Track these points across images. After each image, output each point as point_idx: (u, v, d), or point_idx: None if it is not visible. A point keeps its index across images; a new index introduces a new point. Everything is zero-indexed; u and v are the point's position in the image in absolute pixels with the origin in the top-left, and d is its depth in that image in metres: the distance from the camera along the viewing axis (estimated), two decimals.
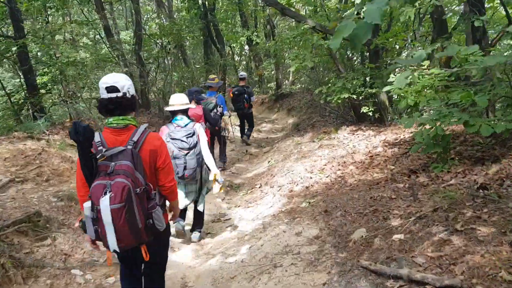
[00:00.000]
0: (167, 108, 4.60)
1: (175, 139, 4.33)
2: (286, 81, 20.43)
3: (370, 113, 7.50)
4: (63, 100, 10.59)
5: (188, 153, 4.37)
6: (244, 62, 23.80)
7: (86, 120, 9.73)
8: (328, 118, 10.72)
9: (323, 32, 7.92)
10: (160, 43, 11.02)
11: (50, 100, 11.12)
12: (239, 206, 6.66)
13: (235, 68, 19.89)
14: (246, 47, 22.65)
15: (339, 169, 6.22)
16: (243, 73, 10.48)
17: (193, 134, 4.34)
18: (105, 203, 2.22)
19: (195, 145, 4.38)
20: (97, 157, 2.36)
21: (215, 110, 7.39)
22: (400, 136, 6.74)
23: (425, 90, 5.15)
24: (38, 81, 10.87)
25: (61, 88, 10.56)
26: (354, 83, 7.34)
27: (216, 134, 7.89)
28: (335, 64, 8.28)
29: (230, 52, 20.72)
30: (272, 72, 20.60)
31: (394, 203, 3.90)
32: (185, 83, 12.03)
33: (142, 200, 2.39)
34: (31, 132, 7.76)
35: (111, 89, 2.43)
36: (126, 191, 2.25)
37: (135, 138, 2.45)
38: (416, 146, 4.94)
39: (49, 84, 11.38)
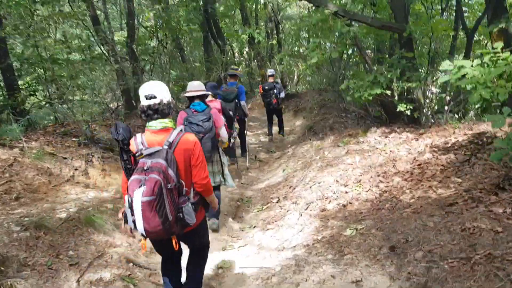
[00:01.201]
0: (186, 94, 4.76)
1: (192, 123, 4.51)
2: (290, 82, 19.23)
3: (408, 112, 6.26)
4: (48, 102, 9.33)
5: (204, 136, 4.55)
6: (243, 62, 22.50)
7: (71, 124, 8.49)
8: (348, 119, 9.51)
9: (347, 18, 6.70)
10: (156, 37, 9.77)
11: (33, 102, 9.81)
12: (254, 227, 5.41)
13: (236, 65, 18.66)
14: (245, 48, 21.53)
15: (381, 181, 4.98)
16: (271, 70, 10.73)
17: (209, 118, 4.52)
18: (137, 195, 2.46)
19: (210, 129, 4.59)
20: (136, 155, 2.63)
21: (235, 101, 7.53)
22: (450, 139, 5.50)
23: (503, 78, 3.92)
24: (20, 81, 9.61)
25: (47, 88, 9.29)
26: (389, 76, 6.10)
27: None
28: (362, 55, 7.06)
29: (230, 51, 19.48)
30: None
31: (509, 242, 2.63)
32: (184, 81, 10.76)
33: (173, 195, 2.57)
34: (3, 139, 6.49)
35: (149, 96, 2.68)
36: (158, 185, 2.46)
37: (170, 139, 2.68)
38: (498, 153, 3.70)
39: (32, 85, 10.10)
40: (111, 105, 11.59)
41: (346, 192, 4.97)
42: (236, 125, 7.78)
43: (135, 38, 9.35)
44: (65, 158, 6.99)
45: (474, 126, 5.56)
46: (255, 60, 20.60)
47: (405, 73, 6.39)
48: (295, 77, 19.31)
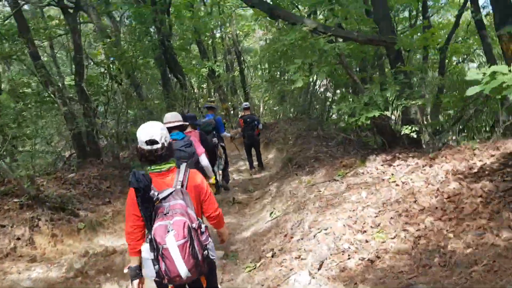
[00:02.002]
0: (165, 125, 4.17)
1: (174, 149, 3.94)
2: (256, 113, 18.40)
3: (414, 134, 5.38)
4: None
5: (187, 161, 4.31)
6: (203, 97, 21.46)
7: (12, 181, 7.07)
8: (332, 148, 8.59)
9: (328, 34, 5.85)
10: (108, 73, 8.60)
11: None
12: None
13: (196, 101, 17.62)
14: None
15: (408, 223, 3.98)
16: (246, 103, 10.67)
17: (191, 144, 4.57)
18: (171, 241, 2.38)
19: (193, 154, 4.65)
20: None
21: (213, 133, 7.60)
22: (474, 163, 4.62)
23: None
24: None
25: None
26: (387, 95, 5.24)
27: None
28: (349, 74, 6.20)
29: (190, 86, 18.50)
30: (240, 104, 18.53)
31: None
32: (143, 121, 9.58)
33: (197, 234, 2.54)
34: None
35: (150, 142, 2.57)
36: (187, 227, 2.43)
37: (180, 178, 2.64)
38: None
39: None
40: (66, 153, 10.25)
41: (367, 241, 3.92)
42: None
43: (84, 76, 8.13)
44: (4, 226, 5.61)
45: (499, 145, 4.72)
46: (217, 94, 19.73)
47: (403, 91, 5.56)
48: (261, 108, 18.54)
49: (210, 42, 21.24)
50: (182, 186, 2.62)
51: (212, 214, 2.84)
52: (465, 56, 11.71)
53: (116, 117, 8.28)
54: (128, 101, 9.38)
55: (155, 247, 2.43)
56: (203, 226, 2.66)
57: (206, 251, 2.61)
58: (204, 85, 20.82)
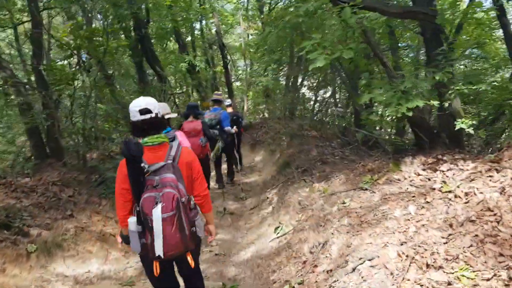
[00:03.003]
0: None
1: None
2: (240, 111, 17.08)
3: (471, 130, 4.18)
4: None
5: None
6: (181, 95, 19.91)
7: None
8: (338, 149, 7.37)
9: (353, 3, 4.62)
10: (77, 56, 7.09)
11: None
12: None
13: (175, 98, 16.15)
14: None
15: (502, 255, 2.76)
16: (229, 100, 9.68)
17: (174, 139, 3.35)
18: (157, 212, 2.33)
19: None
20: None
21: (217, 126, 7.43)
22: None
23: None
24: None
25: None
26: (437, 78, 4.04)
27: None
28: (377, 56, 4.98)
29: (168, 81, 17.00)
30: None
31: None
32: (118, 115, 8.10)
33: (186, 209, 2.50)
34: None
35: (144, 111, 2.55)
36: (176, 200, 2.39)
37: (172, 153, 2.61)
38: None
39: None
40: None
41: (449, 284, 2.67)
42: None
43: (43, 56, 6.59)
44: None
45: None
46: (197, 91, 18.30)
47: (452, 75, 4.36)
48: (245, 106, 17.20)
49: (189, 35, 19.83)
50: (173, 161, 2.58)
51: (201, 193, 2.77)
52: None
53: (83, 111, 6.80)
54: (98, 92, 7.91)
55: (143, 219, 2.41)
56: (192, 202, 2.64)
57: (194, 228, 2.60)
58: (183, 81, 19.32)
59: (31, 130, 6.59)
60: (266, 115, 16.44)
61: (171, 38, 17.97)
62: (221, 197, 7.82)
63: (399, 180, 4.54)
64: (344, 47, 4.37)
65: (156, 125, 2.61)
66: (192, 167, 2.70)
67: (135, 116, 2.56)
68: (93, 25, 10.17)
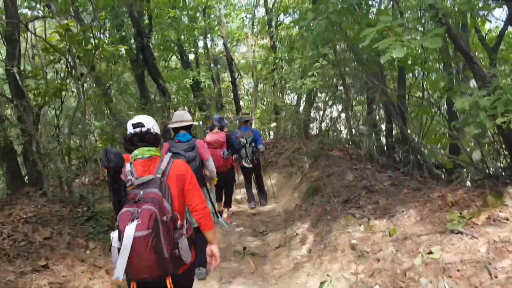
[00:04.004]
0: (170, 125, 4.54)
1: (173, 153, 4.10)
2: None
3: None
4: None
5: None
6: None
7: None
8: (384, 173, 6.02)
9: None
10: (66, 61, 5.79)
11: None
12: None
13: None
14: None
15: None
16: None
17: (193, 148, 4.25)
18: (129, 230, 2.16)
19: (193, 159, 4.25)
20: (127, 185, 2.33)
21: (252, 144, 7.42)
22: None
23: None
24: None
25: None
26: None
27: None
28: (459, 48, 3.71)
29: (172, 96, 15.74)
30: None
31: None
32: (115, 134, 6.78)
33: (168, 229, 2.29)
34: None
35: (136, 125, 2.51)
36: (153, 218, 2.20)
37: (162, 167, 2.45)
38: None
39: None
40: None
41: None
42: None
43: (19, 58, 5.21)
44: None
45: None
46: (200, 109, 17.03)
47: None
48: (253, 124, 15.90)
49: (193, 52, 18.74)
50: (163, 175, 2.41)
51: (197, 206, 2.54)
52: None
53: (68, 125, 5.43)
54: (92, 106, 6.61)
55: (119, 235, 2.23)
56: (179, 222, 2.40)
57: (176, 250, 2.33)
58: (186, 98, 18.07)
59: (4, 151, 5.24)
60: (271, 133, 15.22)
61: (174, 54, 16.88)
62: (236, 232, 6.47)
63: (507, 219, 3.19)
64: (432, 36, 3.09)
65: (146, 138, 2.52)
66: (184, 180, 2.52)
67: (128, 130, 2.54)
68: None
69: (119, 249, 2.21)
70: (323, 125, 13.23)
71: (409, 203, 4.17)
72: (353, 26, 4.58)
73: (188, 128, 4.45)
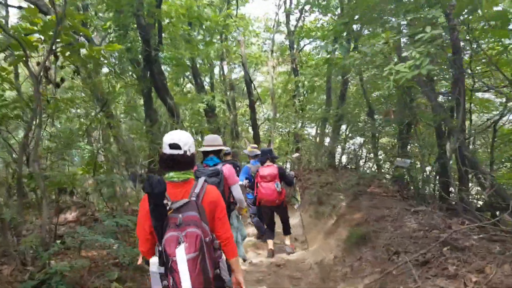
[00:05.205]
0: (200, 149, 4.39)
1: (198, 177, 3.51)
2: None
3: None
4: None
5: None
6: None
7: None
8: (466, 222, 4.37)
9: None
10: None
11: None
12: None
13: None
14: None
15: None
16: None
17: (218, 174, 3.94)
18: (181, 253, 2.20)
19: (217, 185, 3.67)
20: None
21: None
22: None
23: None
24: None
25: None
26: None
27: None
28: None
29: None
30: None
31: None
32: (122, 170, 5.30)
33: (210, 250, 2.37)
34: None
35: (173, 146, 2.49)
36: (199, 240, 2.26)
37: (197, 190, 2.48)
38: None
39: None
40: None
41: None
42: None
43: None
44: None
45: None
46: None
47: None
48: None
49: (208, 75, 17.52)
50: (197, 198, 2.45)
51: (223, 235, 2.55)
52: None
53: (20, 144, 3.83)
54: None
55: (165, 260, 2.25)
56: (216, 242, 2.48)
57: (218, 270, 2.45)
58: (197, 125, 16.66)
59: None
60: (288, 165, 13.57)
61: (187, 71, 15.58)
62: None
63: None
64: None
65: (182, 162, 2.51)
66: (216, 206, 2.52)
67: (165, 149, 2.52)
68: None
69: (160, 274, 2.28)
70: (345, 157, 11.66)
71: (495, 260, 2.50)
72: None
73: (217, 152, 4.31)
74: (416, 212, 5.33)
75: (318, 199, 8.74)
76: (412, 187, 6.56)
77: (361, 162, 11.86)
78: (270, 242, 6.65)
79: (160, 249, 2.28)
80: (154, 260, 2.35)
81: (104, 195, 6.20)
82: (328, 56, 11.61)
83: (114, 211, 5.54)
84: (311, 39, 16.32)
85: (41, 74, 4.53)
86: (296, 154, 12.60)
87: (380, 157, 10.72)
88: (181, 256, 2.17)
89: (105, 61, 5.81)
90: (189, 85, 18.88)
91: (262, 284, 5.19)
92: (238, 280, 2.63)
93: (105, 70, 9.89)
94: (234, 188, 4.30)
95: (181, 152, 2.47)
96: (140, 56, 9.23)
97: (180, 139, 2.49)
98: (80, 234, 3.49)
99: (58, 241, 3.99)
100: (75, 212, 6.19)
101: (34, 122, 3.56)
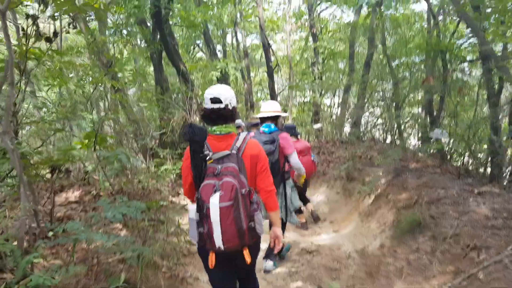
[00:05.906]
0: (257, 115, 4.42)
1: None
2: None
3: None
4: None
5: None
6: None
7: None
8: None
9: None
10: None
11: None
12: None
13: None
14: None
15: None
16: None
17: (273, 141, 4.06)
18: (214, 201, 2.20)
19: (271, 153, 4.03)
20: (206, 159, 2.38)
21: None
22: None
23: None
24: None
25: None
26: None
27: None
28: None
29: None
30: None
31: None
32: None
33: (246, 201, 2.34)
34: None
35: (214, 100, 2.49)
36: (234, 190, 2.25)
37: (238, 144, 2.49)
38: None
39: None
40: None
41: None
42: None
43: None
44: None
45: None
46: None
47: None
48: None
49: (221, 42, 16.41)
50: (238, 151, 2.46)
51: (266, 188, 2.55)
52: None
53: (4, 116, 3.01)
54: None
55: (201, 206, 2.28)
56: (254, 196, 2.40)
57: (252, 223, 2.36)
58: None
59: None
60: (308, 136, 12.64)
61: (198, 46, 14.49)
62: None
63: None
64: None
65: (224, 116, 2.50)
66: (257, 160, 2.52)
67: (207, 104, 2.52)
68: None
69: (197, 221, 2.30)
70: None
71: None
72: None
73: (275, 119, 4.29)
74: (480, 194, 4.44)
75: (347, 175, 7.86)
76: (470, 164, 5.63)
77: (385, 134, 10.90)
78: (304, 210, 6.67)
79: (197, 196, 2.30)
80: (192, 207, 2.39)
81: (109, 172, 5.39)
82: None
83: (120, 192, 4.74)
84: (327, 5, 15.14)
85: (28, 25, 3.67)
86: (318, 125, 11.64)
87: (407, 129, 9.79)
88: (215, 204, 2.19)
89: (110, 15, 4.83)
90: (199, 53, 17.86)
91: (297, 278, 4.39)
92: (276, 234, 2.64)
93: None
94: (291, 156, 4.21)
95: (222, 105, 2.47)
96: (149, 16, 8.25)
97: (220, 93, 2.48)
98: (73, 229, 2.66)
99: (50, 233, 3.18)
100: (78, 191, 5.42)
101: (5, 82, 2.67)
